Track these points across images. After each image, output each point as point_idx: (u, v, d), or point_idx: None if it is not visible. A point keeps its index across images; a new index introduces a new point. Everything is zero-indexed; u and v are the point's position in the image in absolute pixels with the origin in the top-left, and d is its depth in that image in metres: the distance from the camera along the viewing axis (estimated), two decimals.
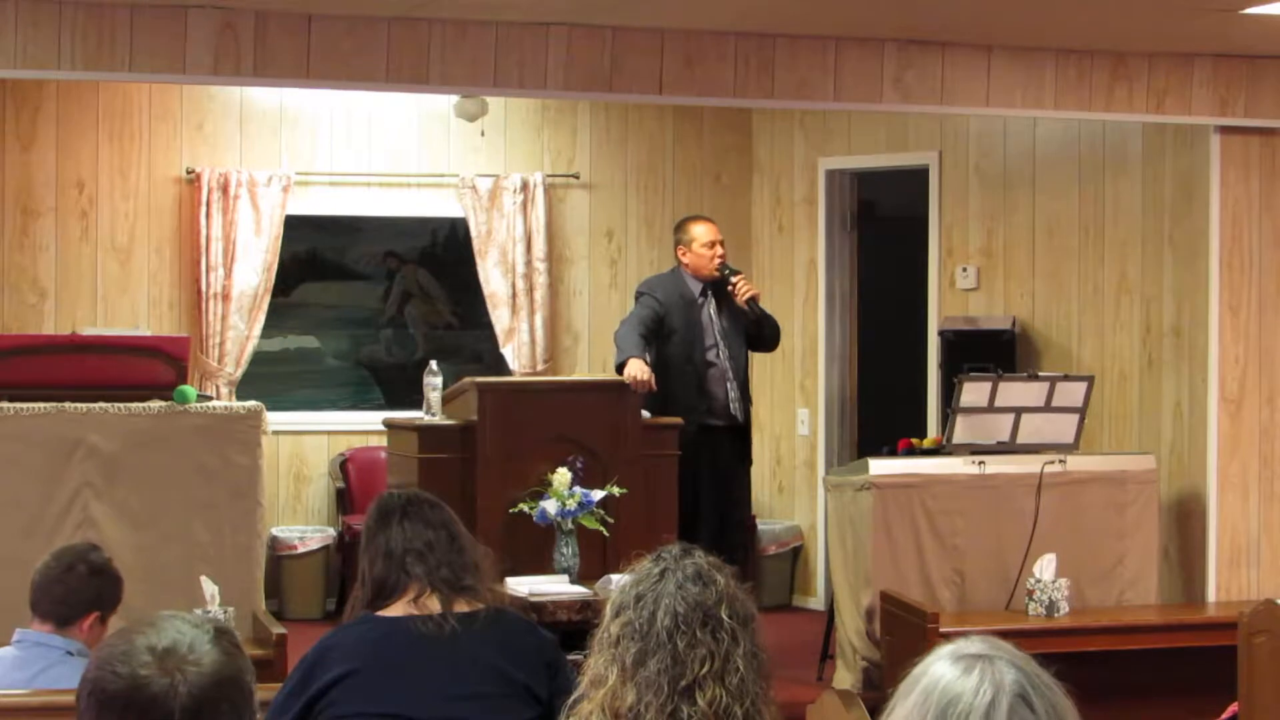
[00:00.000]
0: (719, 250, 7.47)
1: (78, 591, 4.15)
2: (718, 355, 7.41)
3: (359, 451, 9.29)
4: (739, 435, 7.54)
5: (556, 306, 9.60)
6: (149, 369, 6.67)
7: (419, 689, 3.68)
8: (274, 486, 9.04)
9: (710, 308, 7.45)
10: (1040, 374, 7.68)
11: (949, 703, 1.89)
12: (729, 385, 7.43)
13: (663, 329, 7.38)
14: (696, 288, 7.47)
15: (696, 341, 7.39)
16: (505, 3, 6.24)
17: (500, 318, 9.46)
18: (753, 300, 7.40)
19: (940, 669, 1.93)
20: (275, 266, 9.14)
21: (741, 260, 9.04)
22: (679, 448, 7.14)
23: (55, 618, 4.13)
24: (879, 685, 6.79)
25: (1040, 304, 8.62)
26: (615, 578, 3.24)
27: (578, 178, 9.66)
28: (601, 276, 9.71)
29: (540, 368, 9.43)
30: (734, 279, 7.40)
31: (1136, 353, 8.17)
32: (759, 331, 7.53)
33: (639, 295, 7.57)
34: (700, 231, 7.52)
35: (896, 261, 9.54)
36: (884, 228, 9.86)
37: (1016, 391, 7.29)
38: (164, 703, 2.01)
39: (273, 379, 9.32)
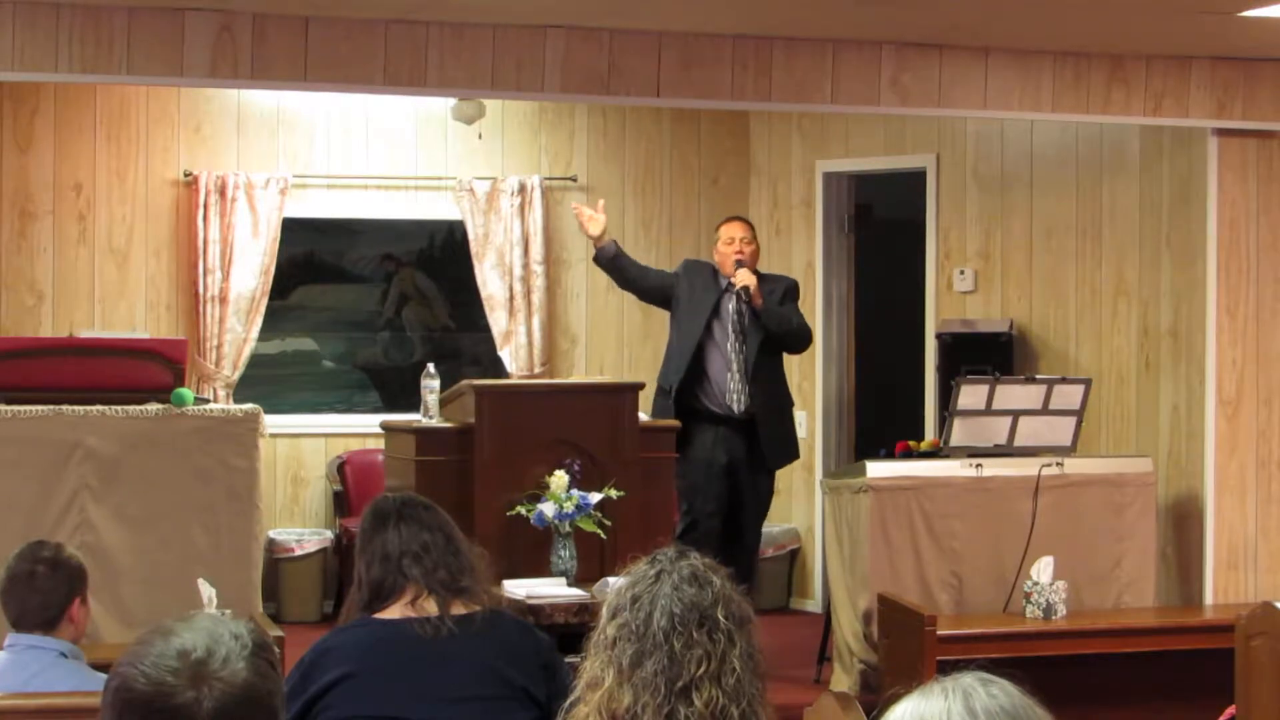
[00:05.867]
0: (736, 248, 7.59)
1: (49, 593, 4.15)
2: (728, 345, 7.56)
3: (356, 454, 9.28)
4: (748, 433, 7.55)
5: (554, 309, 9.60)
6: (146, 371, 6.66)
7: (416, 691, 3.68)
8: (271, 489, 9.04)
9: (731, 302, 7.59)
10: (1038, 376, 7.68)
11: None
12: (730, 376, 7.53)
13: (670, 300, 7.71)
14: (723, 281, 7.65)
15: (699, 320, 7.56)
16: (503, 5, 6.24)
17: (498, 320, 9.45)
18: (746, 290, 7.47)
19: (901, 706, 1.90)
20: (273, 269, 9.14)
21: None
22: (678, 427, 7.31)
23: (41, 624, 4.14)
24: (876, 688, 6.78)
25: (1038, 306, 8.62)
26: (613, 580, 3.23)
27: (575, 180, 9.66)
28: (599, 279, 9.67)
29: (538, 370, 9.43)
30: (738, 271, 7.55)
31: (1134, 355, 8.17)
32: (769, 330, 7.56)
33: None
34: (722, 230, 7.77)
35: (894, 264, 9.54)
36: (881, 230, 9.86)
37: (1014, 394, 7.29)
38: (187, 715, 1.94)
39: (270, 382, 9.32)
